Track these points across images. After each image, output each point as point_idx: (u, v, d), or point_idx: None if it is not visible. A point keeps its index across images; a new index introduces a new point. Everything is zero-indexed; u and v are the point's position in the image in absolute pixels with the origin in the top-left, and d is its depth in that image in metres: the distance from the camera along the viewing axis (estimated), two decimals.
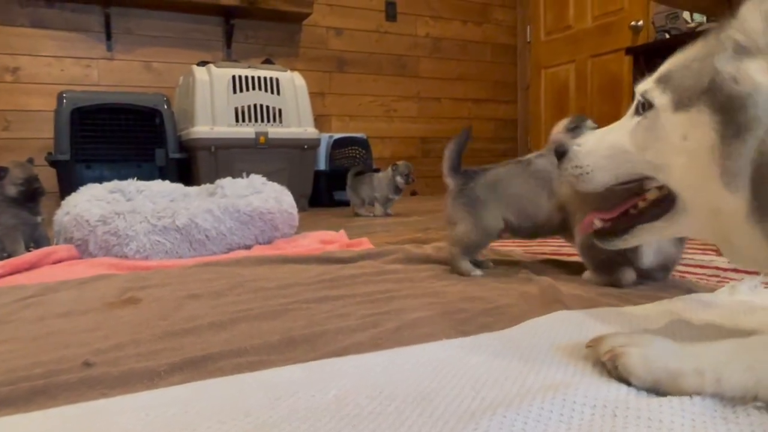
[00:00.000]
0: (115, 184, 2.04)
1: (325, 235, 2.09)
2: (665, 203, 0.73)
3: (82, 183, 2.14)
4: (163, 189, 2.15)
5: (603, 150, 0.76)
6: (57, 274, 1.46)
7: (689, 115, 0.65)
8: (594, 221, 0.84)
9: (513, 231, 1.33)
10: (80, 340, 0.85)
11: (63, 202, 1.85)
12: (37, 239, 1.89)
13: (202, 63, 3.60)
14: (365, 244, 1.89)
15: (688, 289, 1.10)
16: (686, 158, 0.65)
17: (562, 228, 1.29)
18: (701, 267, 1.34)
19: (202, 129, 3.36)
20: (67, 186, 2.97)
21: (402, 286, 1.18)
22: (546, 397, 0.58)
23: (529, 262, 1.48)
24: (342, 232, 2.15)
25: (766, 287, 1.08)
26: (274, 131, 3.53)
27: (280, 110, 3.59)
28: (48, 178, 3.05)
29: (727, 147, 0.60)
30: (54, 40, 3.70)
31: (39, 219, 1.91)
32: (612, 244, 0.81)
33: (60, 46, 3.71)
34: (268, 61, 3.98)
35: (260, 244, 1.92)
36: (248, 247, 1.87)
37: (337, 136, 4.09)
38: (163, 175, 3.35)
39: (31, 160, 1.93)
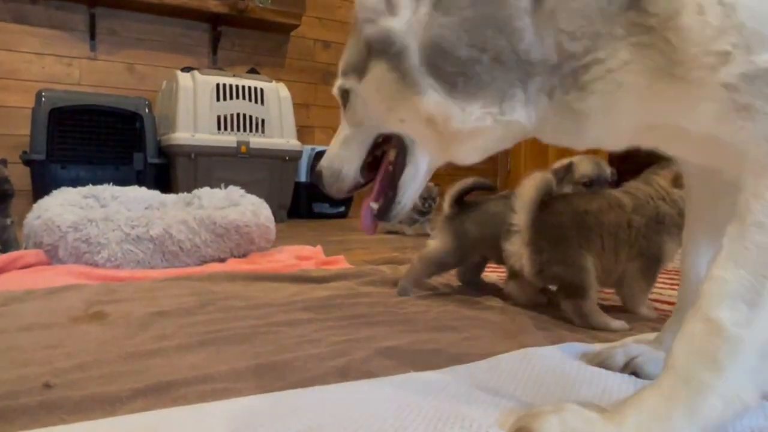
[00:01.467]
0: (90, 189, 2.01)
1: (302, 250, 2.08)
2: (402, 150, 0.84)
3: (57, 183, 2.11)
4: (138, 196, 2.12)
5: (339, 149, 0.90)
6: (24, 280, 1.43)
7: (371, 73, 0.80)
8: (370, 207, 0.92)
9: (490, 258, 1.44)
10: (42, 357, 0.83)
11: (35, 205, 1.81)
12: (5, 242, 1.85)
13: (187, 69, 3.58)
14: (341, 263, 1.89)
15: (653, 326, 1.12)
16: (386, 100, 0.79)
17: None
18: (669, 303, 1.36)
19: (182, 135, 3.34)
20: (41, 186, 2.92)
21: (374, 311, 1.18)
22: None
23: (501, 289, 1.49)
24: (318, 247, 2.14)
25: None
26: (256, 141, 3.52)
27: (263, 120, 3.58)
28: (21, 176, 3.00)
29: (400, 70, 0.75)
30: (36, 37, 3.64)
31: (8, 221, 1.87)
32: (394, 215, 0.89)
33: (42, 44, 3.66)
34: (253, 71, 3.97)
35: (235, 257, 1.90)
36: (222, 260, 1.86)
37: (319, 148, 4.09)
38: (140, 179, 3.31)
39: (3, 162, 1.89)
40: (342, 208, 4.17)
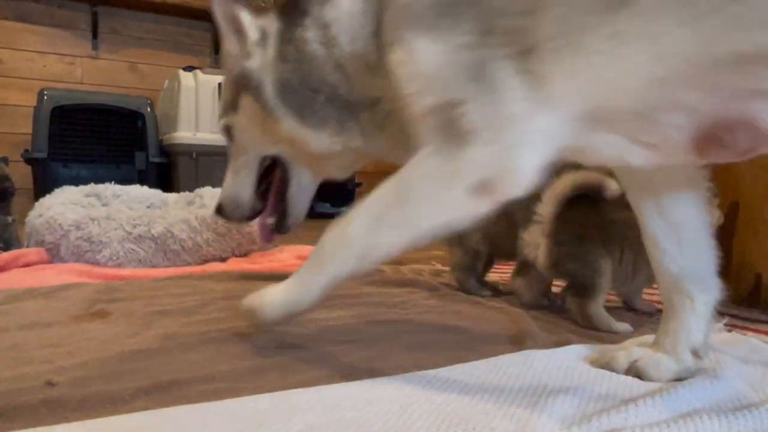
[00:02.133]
0: (92, 188, 2.01)
1: (303, 250, 2.07)
2: (285, 168, 1.02)
3: (59, 181, 2.11)
4: (140, 194, 2.12)
5: (233, 180, 1.07)
6: (25, 279, 1.43)
7: (241, 106, 0.98)
8: (268, 223, 1.09)
9: (496, 254, 1.45)
10: (44, 356, 0.83)
11: (36, 204, 1.81)
12: (6, 240, 1.84)
13: (189, 68, 3.58)
14: None
15: (654, 327, 1.12)
16: (257, 126, 0.97)
17: None
18: None
19: (184, 134, 3.34)
20: (43, 184, 2.92)
21: (376, 311, 1.18)
22: None
23: (504, 289, 1.49)
24: None
25: (729, 330, 1.10)
26: None
27: None
28: (23, 175, 3.00)
29: (261, 101, 0.93)
30: (38, 36, 3.65)
31: (9, 219, 1.87)
32: (289, 225, 1.08)
33: (44, 42, 3.66)
34: None
35: (236, 256, 1.90)
36: (224, 260, 1.86)
37: None
38: (142, 178, 3.31)
39: (4, 159, 1.89)
40: (344, 208, 4.16)
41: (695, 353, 0.81)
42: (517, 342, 0.97)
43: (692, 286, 0.80)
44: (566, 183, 1.14)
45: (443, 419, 0.64)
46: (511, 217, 1.30)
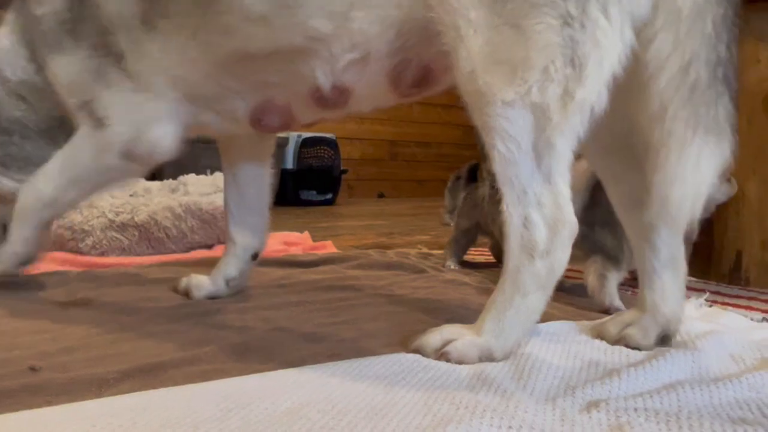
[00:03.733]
0: None
1: (289, 236, 2.07)
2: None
3: None
4: None
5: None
6: None
7: None
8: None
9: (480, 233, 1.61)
10: (27, 342, 0.82)
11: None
12: None
13: None
14: (329, 248, 1.89)
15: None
16: None
17: None
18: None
19: None
20: None
21: (362, 293, 1.18)
22: (495, 415, 0.59)
23: (492, 271, 1.50)
24: (306, 233, 2.14)
25: (709, 305, 1.12)
26: None
27: None
28: None
29: None
30: None
31: None
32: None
33: None
34: None
35: (222, 243, 1.89)
36: (209, 247, 1.84)
37: (305, 135, 4.07)
38: None
39: None
40: (329, 195, 4.16)
41: None
42: None
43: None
44: (582, 175, 1.15)
45: (429, 395, 0.65)
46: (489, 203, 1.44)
